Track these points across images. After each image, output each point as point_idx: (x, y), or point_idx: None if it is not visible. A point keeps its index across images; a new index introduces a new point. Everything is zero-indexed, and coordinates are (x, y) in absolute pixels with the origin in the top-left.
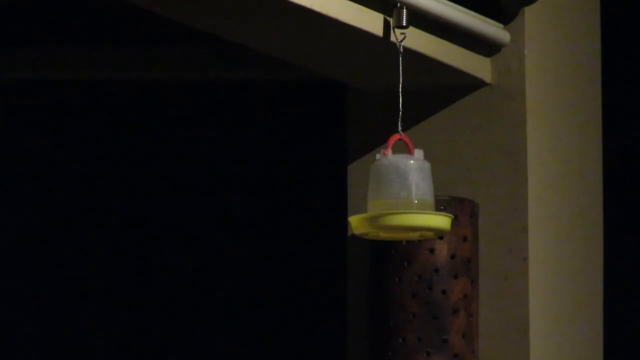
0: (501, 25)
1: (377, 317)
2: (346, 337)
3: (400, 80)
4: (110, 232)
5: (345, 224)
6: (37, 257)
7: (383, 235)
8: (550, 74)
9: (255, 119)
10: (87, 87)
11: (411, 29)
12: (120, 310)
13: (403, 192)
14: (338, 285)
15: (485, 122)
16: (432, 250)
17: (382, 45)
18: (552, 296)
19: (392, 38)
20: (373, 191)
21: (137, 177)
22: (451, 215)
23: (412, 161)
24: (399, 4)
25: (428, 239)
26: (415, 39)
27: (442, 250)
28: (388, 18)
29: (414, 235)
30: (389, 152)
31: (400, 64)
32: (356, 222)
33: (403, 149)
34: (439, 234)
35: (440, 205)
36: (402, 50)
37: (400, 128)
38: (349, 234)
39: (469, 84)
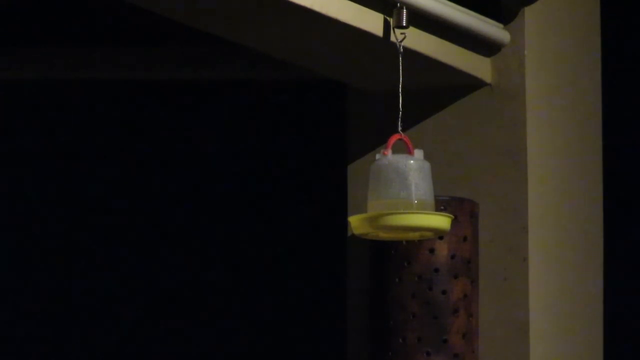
0: (501, 25)
1: (377, 317)
2: (346, 337)
3: (400, 80)
4: (111, 232)
5: (345, 224)
6: (37, 256)
7: (383, 235)
8: (550, 74)
9: (255, 119)
10: (87, 87)
11: (411, 29)
12: (120, 311)
13: (403, 192)
14: (338, 285)
15: (485, 122)
16: (432, 250)
17: (382, 45)
18: (552, 296)
19: (392, 38)
20: (373, 191)
21: (137, 177)
22: (451, 215)
23: (412, 161)
24: (399, 4)
25: (428, 239)
26: (415, 39)
27: (442, 250)
28: (388, 18)
29: (414, 235)
30: (389, 152)
31: (400, 64)
32: (356, 222)
33: (403, 149)
34: (439, 234)
35: (440, 205)
36: (402, 50)
37: (400, 128)
38: (349, 234)
39: (469, 84)
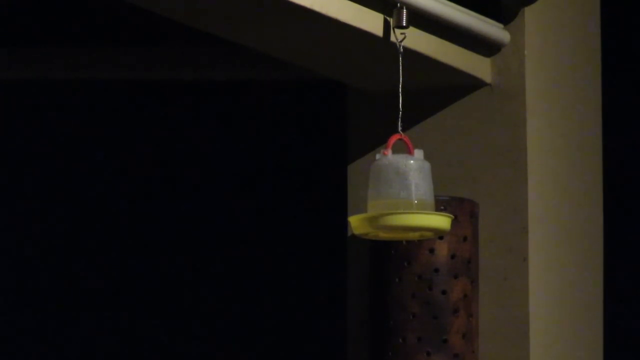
0: (501, 25)
1: (377, 317)
2: (346, 337)
3: (400, 80)
4: (111, 232)
5: (345, 224)
6: (37, 256)
7: (383, 235)
8: (550, 74)
9: (255, 119)
10: (87, 87)
11: (411, 29)
12: (120, 311)
13: (403, 192)
14: (338, 285)
15: (485, 122)
16: (432, 250)
17: (382, 45)
18: (552, 296)
19: (392, 38)
20: (373, 191)
21: (137, 177)
22: (451, 215)
23: (412, 161)
24: (399, 4)
25: (428, 239)
26: (415, 39)
27: (442, 250)
28: (388, 18)
29: (414, 235)
30: (389, 152)
31: (400, 64)
32: (356, 222)
33: (403, 149)
34: (439, 234)
35: (440, 205)
36: (402, 50)
37: (400, 128)
38: (349, 234)
39: (469, 84)
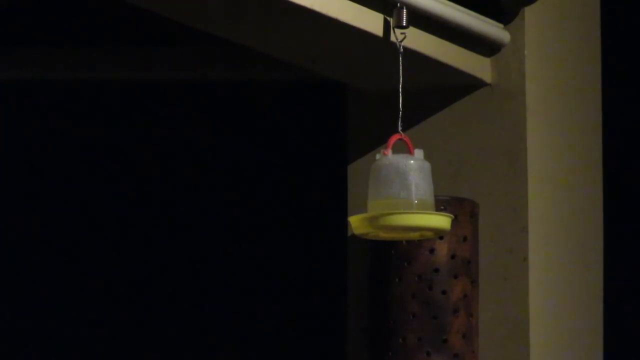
0: (501, 25)
1: (377, 317)
2: (346, 337)
3: (400, 80)
4: (110, 232)
5: (345, 224)
6: (37, 255)
7: (383, 235)
8: (550, 74)
9: (255, 119)
10: (87, 87)
11: (411, 29)
12: (120, 310)
13: (403, 192)
14: (338, 285)
15: (485, 122)
16: (432, 250)
17: (382, 45)
18: (552, 296)
19: (392, 38)
20: (373, 191)
21: (137, 177)
22: (451, 215)
23: (412, 161)
24: (399, 4)
25: (428, 239)
26: (415, 39)
27: (442, 250)
28: (388, 18)
29: (414, 235)
30: (389, 152)
31: (400, 64)
32: (356, 222)
33: (403, 149)
34: (439, 234)
35: (440, 205)
36: (402, 50)
37: (400, 128)
38: (349, 234)
39: (469, 84)
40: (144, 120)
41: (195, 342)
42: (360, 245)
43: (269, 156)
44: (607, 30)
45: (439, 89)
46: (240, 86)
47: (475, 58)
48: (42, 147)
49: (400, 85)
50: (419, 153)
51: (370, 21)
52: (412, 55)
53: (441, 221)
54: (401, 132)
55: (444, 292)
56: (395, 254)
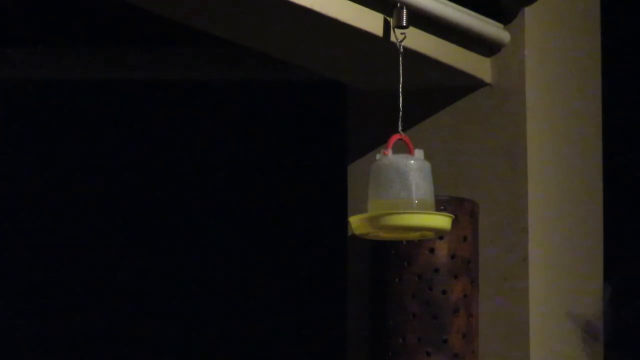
0: (501, 25)
1: (377, 317)
2: (346, 337)
3: (400, 80)
4: (111, 231)
5: (345, 224)
6: (36, 255)
7: (383, 235)
8: (550, 74)
9: (255, 119)
10: (87, 87)
11: (411, 29)
12: (121, 308)
13: (403, 192)
14: (338, 285)
15: (485, 122)
16: (432, 250)
17: (382, 45)
18: (552, 296)
19: (392, 38)
20: (373, 191)
21: (137, 177)
22: (451, 215)
23: (412, 161)
24: (399, 4)
25: (428, 239)
26: (415, 39)
27: (442, 250)
28: (388, 18)
29: (414, 235)
30: (389, 152)
31: (400, 64)
32: (356, 222)
33: (403, 149)
34: (439, 234)
35: (440, 205)
36: (402, 50)
37: (400, 128)
38: (349, 234)
39: (469, 84)
40: (145, 120)
41: (195, 342)
42: (360, 245)
43: (268, 156)
44: (607, 30)
45: (439, 89)
46: (239, 86)
47: (475, 58)
48: (41, 147)
49: (400, 85)
50: (419, 153)
51: (370, 21)
52: (412, 55)
53: (441, 221)
54: (401, 132)
55: (444, 292)
56: (395, 254)
